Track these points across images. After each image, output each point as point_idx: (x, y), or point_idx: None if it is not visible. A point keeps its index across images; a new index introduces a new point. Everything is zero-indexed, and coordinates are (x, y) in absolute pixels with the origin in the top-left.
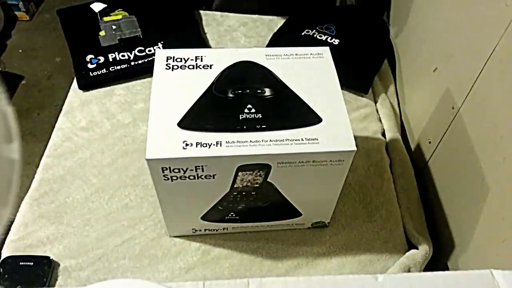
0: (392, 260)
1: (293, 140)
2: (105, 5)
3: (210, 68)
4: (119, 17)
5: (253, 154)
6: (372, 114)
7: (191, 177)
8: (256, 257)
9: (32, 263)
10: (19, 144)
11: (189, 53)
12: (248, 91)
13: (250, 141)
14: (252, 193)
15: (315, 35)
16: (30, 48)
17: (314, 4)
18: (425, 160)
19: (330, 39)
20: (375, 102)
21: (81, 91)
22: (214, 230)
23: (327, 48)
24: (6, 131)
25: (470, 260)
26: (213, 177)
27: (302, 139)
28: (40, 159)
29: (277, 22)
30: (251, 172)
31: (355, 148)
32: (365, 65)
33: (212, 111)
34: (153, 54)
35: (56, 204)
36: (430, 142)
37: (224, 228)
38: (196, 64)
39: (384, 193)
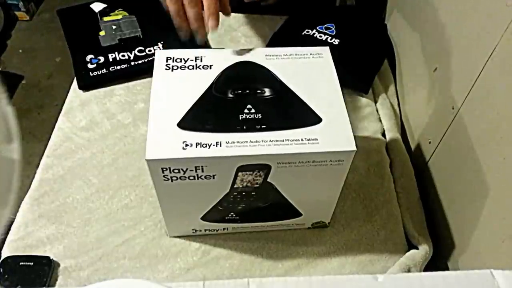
0: (392, 260)
1: (293, 140)
2: (105, 5)
3: (210, 68)
4: (119, 17)
5: (253, 154)
6: (372, 114)
7: (191, 178)
8: (256, 257)
9: (32, 263)
10: (19, 144)
11: (189, 53)
12: (248, 91)
13: (250, 141)
14: (252, 193)
15: (315, 35)
16: (30, 48)
17: (314, 4)
18: (425, 160)
19: (330, 39)
20: (375, 102)
21: (81, 91)
22: (214, 230)
23: (327, 48)
24: (6, 131)
25: (470, 260)
26: (213, 178)
27: (302, 139)
28: (40, 159)
29: (277, 22)
30: (251, 172)
31: (355, 148)
32: (365, 65)
33: (212, 111)
34: (153, 54)
35: (56, 204)
36: (430, 142)
37: (224, 228)
38: (196, 64)
39: (384, 193)
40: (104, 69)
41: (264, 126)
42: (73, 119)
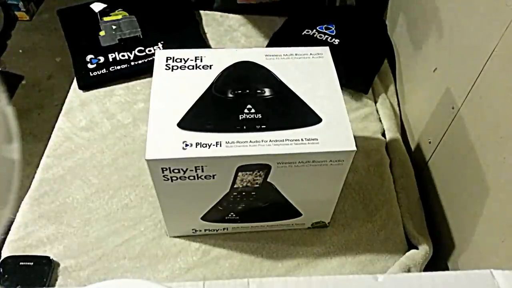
0: (392, 260)
1: (293, 140)
2: (105, 5)
3: (210, 68)
4: (119, 17)
5: (253, 154)
6: (372, 114)
7: (191, 178)
8: (256, 257)
9: (32, 263)
10: (19, 144)
11: (189, 53)
12: (248, 91)
13: (250, 141)
14: (252, 193)
15: (315, 35)
16: (30, 48)
17: (314, 4)
18: (425, 160)
19: (330, 39)
20: (375, 102)
21: (81, 91)
22: (214, 230)
23: (327, 48)
24: (6, 131)
25: (470, 260)
26: (213, 178)
27: (302, 139)
28: (40, 159)
29: (277, 22)
30: (251, 172)
31: (355, 148)
32: (365, 65)
33: (212, 111)
34: (153, 54)
35: (56, 204)
36: (430, 142)
37: (224, 228)
38: (196, 64)
39: (384, 193)
40: (104, 69)
41: (264, 126)
42: (73, 119)
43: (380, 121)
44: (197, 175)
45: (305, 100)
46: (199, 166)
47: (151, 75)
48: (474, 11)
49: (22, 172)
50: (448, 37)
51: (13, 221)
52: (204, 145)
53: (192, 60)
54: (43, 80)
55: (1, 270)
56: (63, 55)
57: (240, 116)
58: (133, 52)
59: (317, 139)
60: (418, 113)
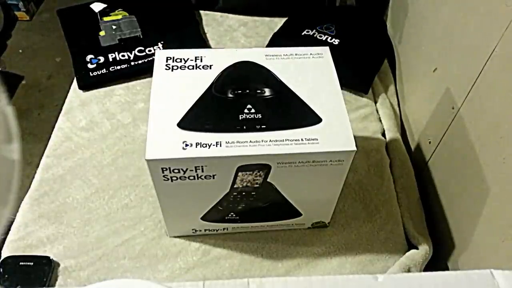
0: (392, 260)
1: (293, 140)
2: (105, 5)
3: (210, 68)
4: (119, 17)
5: (253, 154)
6: (372, 114)
7: (191, 178)
8: (256, 257)
9: (32, 263)
10: (19, 144)
11: (189, 53)
12: (248, 91)
13: (250, 141)
14: (252, 193)
15: (315, 35)
16: (30, 48)
17: (314, 4)
18: (425, 160)
19: (330, 39)
20: (375, 102)
21: (81, 91)
22: (214, 230)
23: (327, 48)
24: (6, 131)
25: (470, 260)
26: (213, 178)
27: (302, 139)
28: (40, 159)
29: (277, 22)
30: (251, 172)
31: (355, 148)
32: (365, 65)
33: (212, 111)
34: (153, 54)
35: (56, 204)
36: (430, 142)
37: (224, 228)
38: (196, 64)
39: (384, 193)
40: (104, 69)
41: (264, 126)
42: (73, 119)
43: (380, 121)
44: (197, 175)
45: (305, 100)
46: (199, 166)
47: (151, 75)
48: (474, 11)
49: (22, 172)
50: (448, 37)
51: (13, 221)
52: (204, 145)
53: (192, 60)
54: (43, 80)
55: (1, 270)
56: (63, 55)
57: (240, 116)
58: (133, 52)
59: (317, 139)
60: (418, 113)
